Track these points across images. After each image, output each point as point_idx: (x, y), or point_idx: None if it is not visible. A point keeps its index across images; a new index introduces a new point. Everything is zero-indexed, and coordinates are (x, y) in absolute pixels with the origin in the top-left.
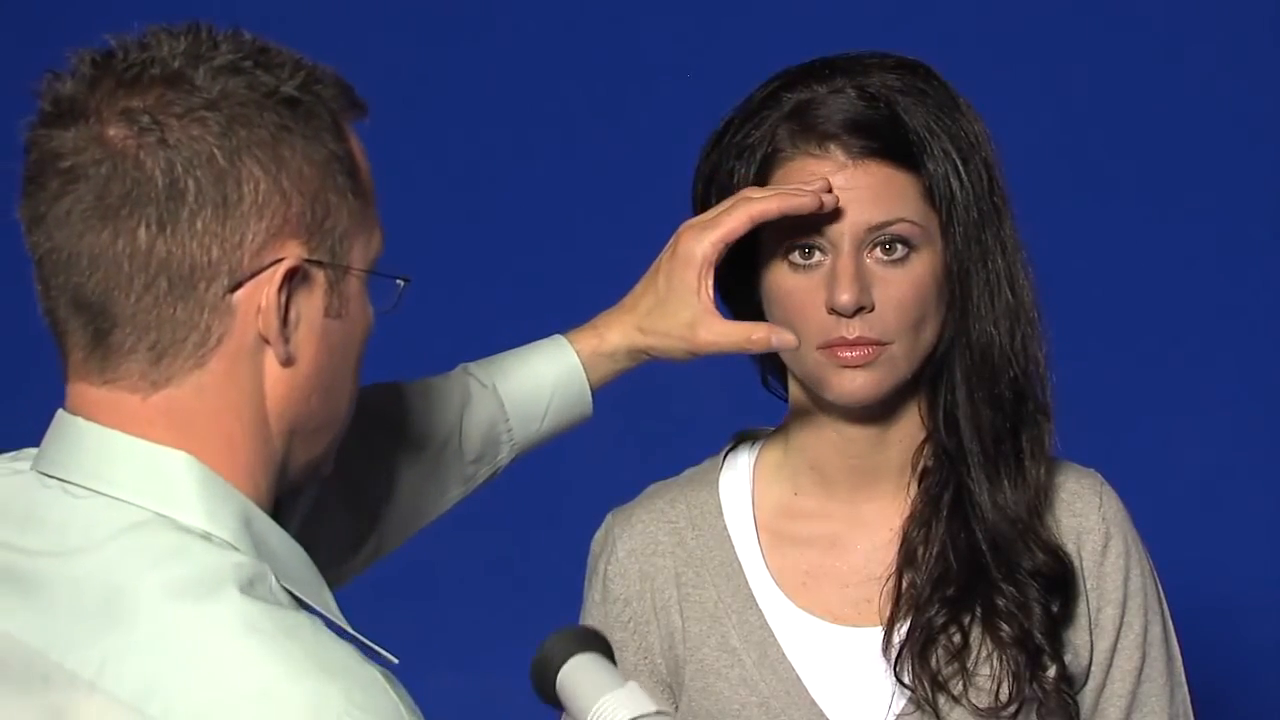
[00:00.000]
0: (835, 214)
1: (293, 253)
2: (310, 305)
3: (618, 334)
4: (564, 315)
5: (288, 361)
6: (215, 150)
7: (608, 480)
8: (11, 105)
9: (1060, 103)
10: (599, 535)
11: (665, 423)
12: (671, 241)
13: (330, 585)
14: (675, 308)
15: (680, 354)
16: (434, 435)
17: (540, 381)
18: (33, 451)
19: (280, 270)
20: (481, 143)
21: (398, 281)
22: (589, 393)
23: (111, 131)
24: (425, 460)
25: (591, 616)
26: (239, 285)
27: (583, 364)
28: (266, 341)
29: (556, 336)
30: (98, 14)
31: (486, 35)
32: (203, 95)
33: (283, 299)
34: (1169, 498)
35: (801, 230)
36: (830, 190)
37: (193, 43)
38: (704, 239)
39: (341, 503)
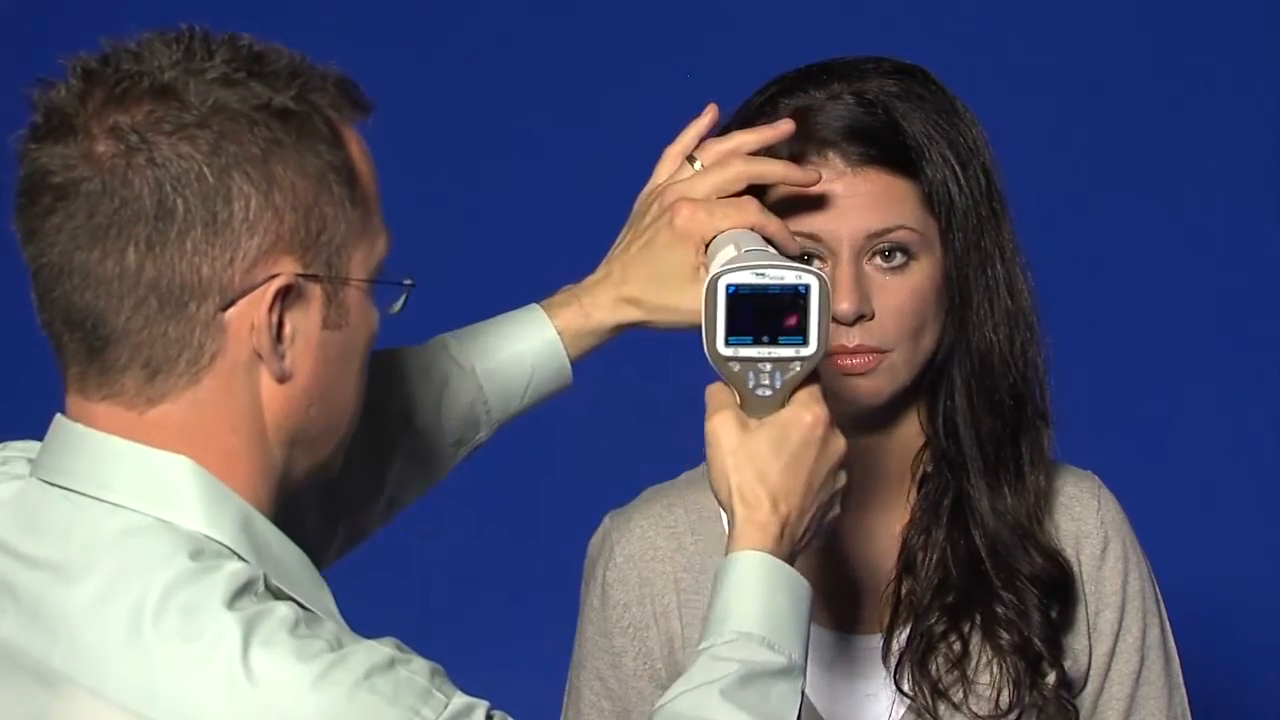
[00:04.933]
0: (834, 220)
1: (286, 269)
2: (307, 319)
3: (606, 311)
4: None
5: (283, 377)
6: (204, 168)
7: (604, 482)
8: (9, 110)
9: (1056, 106)
10: (596, 539)
11: (662, 425)
12: (664, 214)
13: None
14: (678, 284)
15: (684, 327)
16: (411, 419)
17: (520, 361)
18: (19, 444)
19: (271, 288)
20: (480, 143)
21: (404, 283)
22: (569, 368)
23: (100, 148)
24: (401, 444)
25: (590, 621)
26: (231, 304)
27: (565, 342)
28: (261, 358)
29: (534, 307)
30: (97, 13)
31: (487, 36)
32: (193, 111)
33: (275, 316)
34: (1166, 500)
35: (800, 237)
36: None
37: (185, 53)
38: (706, 225)
39: (316, 488)
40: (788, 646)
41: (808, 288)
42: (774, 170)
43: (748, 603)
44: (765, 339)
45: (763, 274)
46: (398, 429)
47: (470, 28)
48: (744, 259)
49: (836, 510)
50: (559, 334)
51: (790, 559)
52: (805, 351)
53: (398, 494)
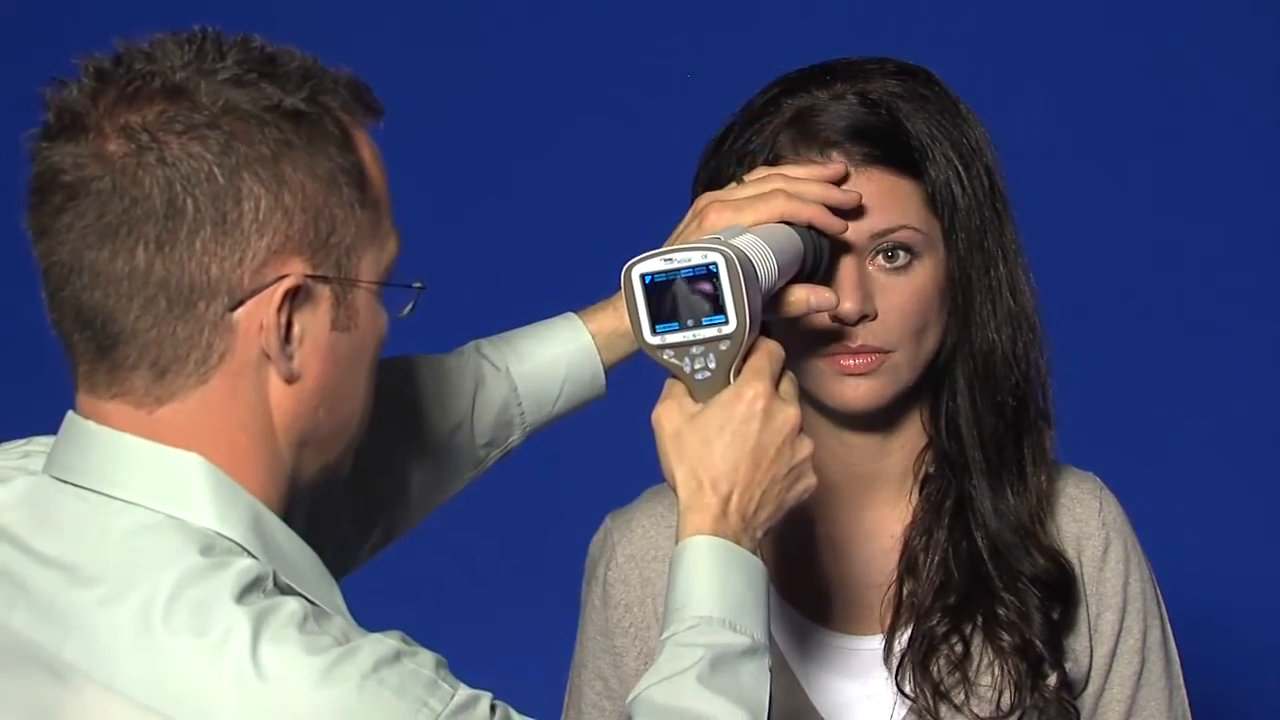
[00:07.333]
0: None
1: (295, 270)
2: (315, 320)
3: None
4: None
5: (291, 378)
6: (214, 168)
7: (605, 482)
8: (20, 110)
9: (1057, 106)
10: (597, 538)
11: None
12: (694, 219)
13: (340, 573)
14: None
15: None
16: (446, 421)
17: (554, 364)
18: (43, 439)
19: (280, 289)
20: (486, 146)
21: (414, 286)
22: (603, 373)
23: (111, 147)
24: (436, 446)
25: (591, 621)
26: (239, 304)
27: (598, 345)
28: (269, 358)
29: (570, 315)
30: (109, 14)
31: (493, 40)
32: (204, 112)
33: (283, 317)
34: (1167, 501)
35: None
36: (848, 175)
37: (197, 54)
38: (733, 222)
39: (349, 490)
40: (749, 626)
41: (717, 265)
42: (813, 190)
43: (703, 587)
44: (689, 322)
45: (670, 259)
46: (430, 430)
47: (477, 32)
48: (660, 249)
49: (809, 481)
50: (593, 337)
51: (748, 538)
52: (727, 329)
53: (431, 494)
